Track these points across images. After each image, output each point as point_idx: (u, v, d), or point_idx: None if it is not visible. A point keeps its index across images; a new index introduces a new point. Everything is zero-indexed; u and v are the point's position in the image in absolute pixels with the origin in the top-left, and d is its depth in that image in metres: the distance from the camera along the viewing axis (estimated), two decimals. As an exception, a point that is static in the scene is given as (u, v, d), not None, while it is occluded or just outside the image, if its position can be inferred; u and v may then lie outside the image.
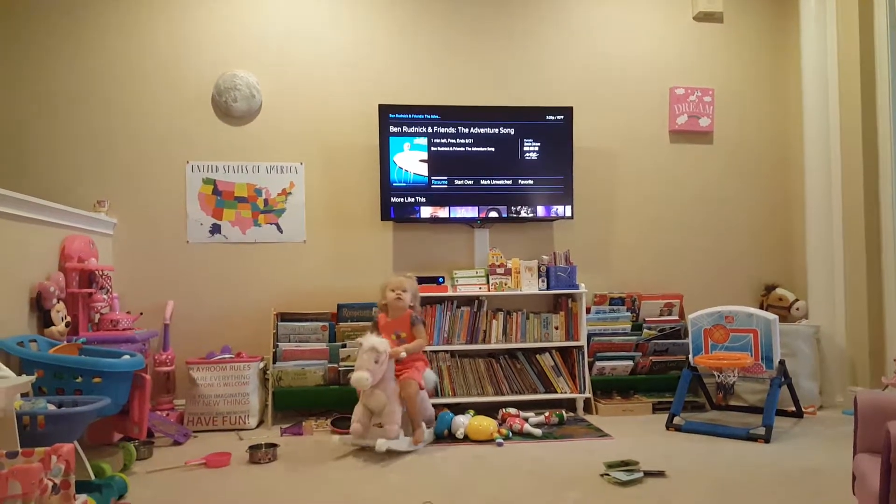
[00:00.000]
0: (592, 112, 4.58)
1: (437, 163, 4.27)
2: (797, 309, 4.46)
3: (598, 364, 4.19)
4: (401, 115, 4.23)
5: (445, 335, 4.12)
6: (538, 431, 3.54)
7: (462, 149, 4.29)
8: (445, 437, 3.50)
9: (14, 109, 4.10)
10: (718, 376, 3.65)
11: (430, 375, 3.57)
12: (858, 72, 4.06)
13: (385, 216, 4.23)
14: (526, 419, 3.66)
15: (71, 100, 4.15)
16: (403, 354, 3.30)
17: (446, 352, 4.12)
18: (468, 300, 4.21)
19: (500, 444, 3.35)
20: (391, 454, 3.14)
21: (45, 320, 3.20)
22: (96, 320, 3.57)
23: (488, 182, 4.30)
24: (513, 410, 3.75)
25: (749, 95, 4.78)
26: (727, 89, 4.73)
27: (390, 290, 3.48)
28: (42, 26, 4.13)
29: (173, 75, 4.25)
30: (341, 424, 3.57)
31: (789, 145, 4.77)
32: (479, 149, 4.30)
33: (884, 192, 3.96)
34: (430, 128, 4.26)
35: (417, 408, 3.33)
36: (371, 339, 3.18)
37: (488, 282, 4.20)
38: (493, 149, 4.30)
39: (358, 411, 3.25)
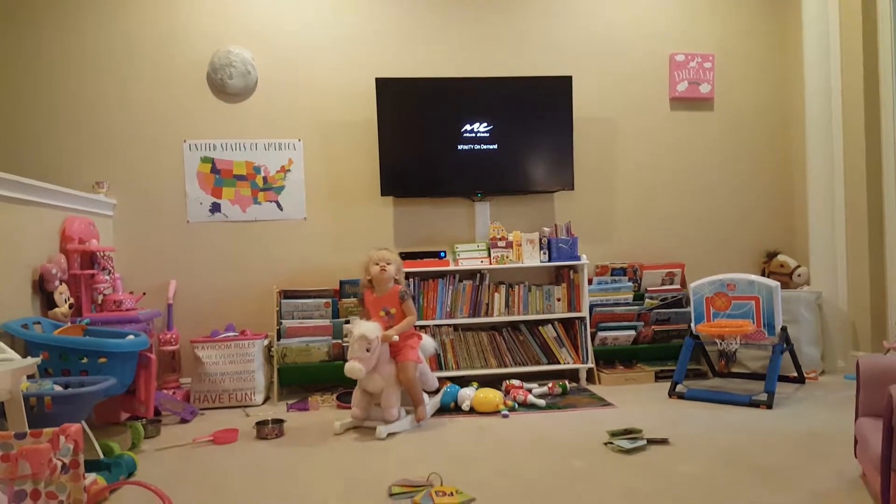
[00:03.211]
0: (592, 81, 4.53)
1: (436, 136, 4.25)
2: (799, 275, 4.46)
3: (601, 334, 4.20)
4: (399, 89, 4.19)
5: (448, 309, 4.13)
6: (542, 402, 3.56)
7: (461, 121, 4.25)
8: (452, 409, 3.53)
9: (10, 92, 4.06)
10: (720, 344, 3.67)
11: (427, 344, 3.53)
12: (860, 36, 4.00)
13: (385, 191, 4.21)
14: (530, 390, 3.69)
15: (67, 81, 4.11)
16: (396, 338, 3.23)
17: (449, 325, 4.13)
18: (470, 274, 4.21)
19: (505, 416, 3.38)
20: (396, 427, 3.17)
21: (48, 302, 3.21)
22: (99, 301, 3.58)
23: (488, 154, 4.27)
24: (516, 382, 3.78)
25: (750, 61, 4.72)
26: (728, 55, 4.68)
27: (374, 264, 3.32)
28: (37, 9, 4.07)
29: (168, 53, 4.20)
30: (346, 399, 3.60)
31: (790, 111, 4.72)
32: (477, 121, 4.26)
33: (886, 158, 3.93)
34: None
35: (417, 388, 3.31)
36: (361, 327, 3.12)
37: (490, 255, 4.20)
38: (491, 121, 4.27)
39: (356, 395, 3.25)
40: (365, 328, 3.12)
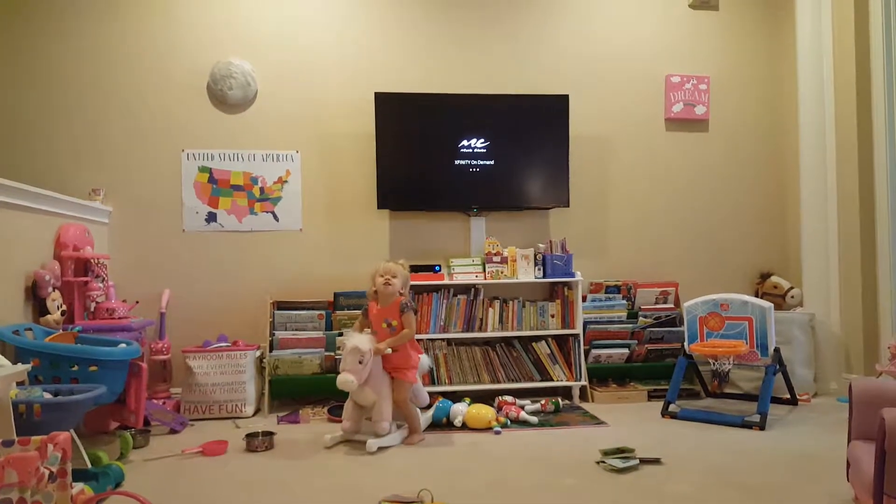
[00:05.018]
0: (588, 100, 4.56)
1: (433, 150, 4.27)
2: (792, 297, 4.48)
3: (594, 352, 4.20)
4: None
5: (442, 323, 4.12)
6: (534, 419, 3.55)
7: (458, 137, 4.27)
8: (444, 424, 3.51)
9: (8, 98, 4.06)
10: (714, 364, 3.67)
11: (423, 362, 3.54)
12: (854, 59, 4.06)
13: (381, 204, 4.22)
14: (522, 407, 3.68)
15: (66, 88, 4.12)
16: (389, 351, 3.21)
17: (443, 340, 4.12)
18: (464, 288, 4.21)
19: (497, 433, 3.36)
20: (387, 442, 3.16)
21: (40, 309, 3.19)
22: (92, 309, 3.56)
23: (484, 170, 4.29)
24: (509, 398, 3.76)
25: (745, 83, 4.77)
26: (723, 77, 4.72)
27: (379, 276, 3.29)
28: (37, 16, 4.09)
29: (168, 63, 4.21)
30: (338, 412, 3.57)
31: (784, 133, 4.76)
32: (474, 137, 4.28)
33: (878, 180, 3.96)
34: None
35: (411, 411, 3.29)
36: (353, 339, 3.10)
37: (484, 270, 4.20)
38: (488, 137, 4.29)
39: (348, 408, 3.22)
40: (358, 340, 3.10)
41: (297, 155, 4.32)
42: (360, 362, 3.06)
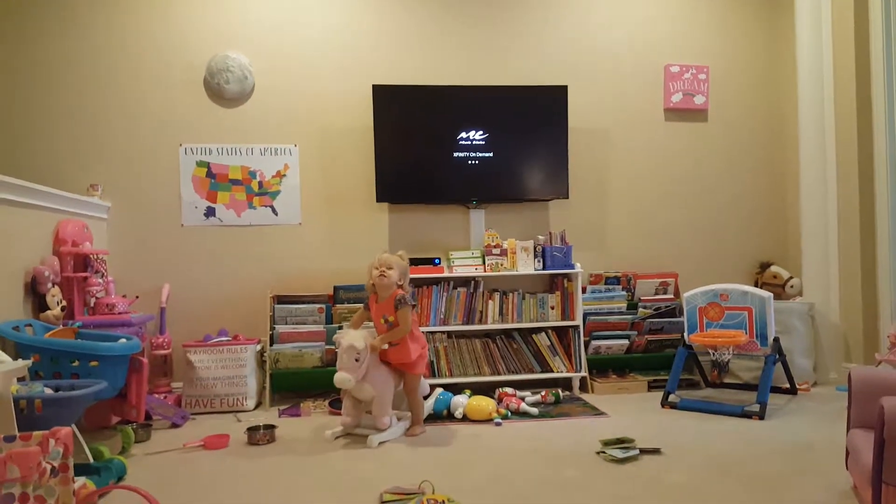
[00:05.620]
0: (587, 91, 4.55)
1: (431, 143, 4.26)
2: (791, 286, 4.48)
3: (594, 343, 4.21)
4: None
5: (442, 316, 4.13)
6: (535, 410, 3.56)
7: (457, 129, 4.26)
8: (445, 416, 3.52)
9: (6, 93, 4.05)
10: (713, 354, 3.67)
11: None
12: (853, 47, 4.04)
13: (380, 197, 4.22)
14: (523, 398, 3.69)
15: (62, 83, 4.10)
16: (385, 346, 3.18)
17: (443, 332, 4.13)
18: (464, 281, 4.21)
19: (498, 424, 3.37)
20: (388, 434, 3.16)
21: (40, 304, 3.19)
22: (92, 304, 3.56)
23: (483, 162, 4.28)
24: (509, 390, 3.77)
25: (744, 72, 4.75)
26: (722, 67, 4.71)
27: (375, 269, 3.19)
28: (33, 11, 4.07)
29: (165, 57, 4.20)
30: (339, 405, 3.57)
31: (784, 123, 4.75)
32: (473, 129, 4.27)
33: (878, 169, 3.96)
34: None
35: (417, 403, 3.29)
36: (348, 337, 3.07)
37: (484, 262, 4.20)
38: (487, 129, 4.28)
39: (346, 404, 3.22)
40: (353, 338, 3.07)
41: (296, 149, 4.32)
42: (356, 360, 3.05)
